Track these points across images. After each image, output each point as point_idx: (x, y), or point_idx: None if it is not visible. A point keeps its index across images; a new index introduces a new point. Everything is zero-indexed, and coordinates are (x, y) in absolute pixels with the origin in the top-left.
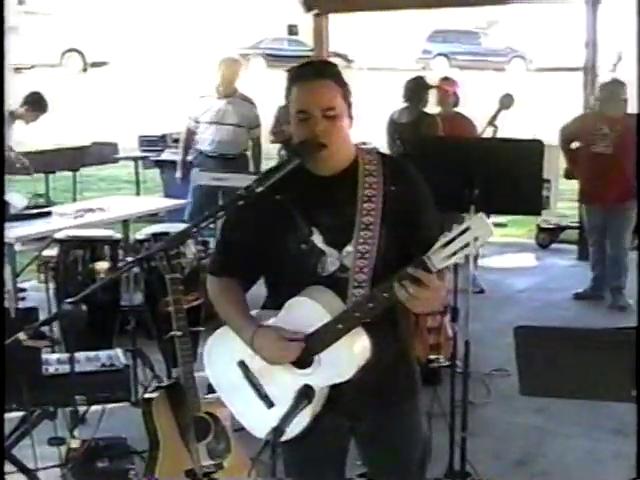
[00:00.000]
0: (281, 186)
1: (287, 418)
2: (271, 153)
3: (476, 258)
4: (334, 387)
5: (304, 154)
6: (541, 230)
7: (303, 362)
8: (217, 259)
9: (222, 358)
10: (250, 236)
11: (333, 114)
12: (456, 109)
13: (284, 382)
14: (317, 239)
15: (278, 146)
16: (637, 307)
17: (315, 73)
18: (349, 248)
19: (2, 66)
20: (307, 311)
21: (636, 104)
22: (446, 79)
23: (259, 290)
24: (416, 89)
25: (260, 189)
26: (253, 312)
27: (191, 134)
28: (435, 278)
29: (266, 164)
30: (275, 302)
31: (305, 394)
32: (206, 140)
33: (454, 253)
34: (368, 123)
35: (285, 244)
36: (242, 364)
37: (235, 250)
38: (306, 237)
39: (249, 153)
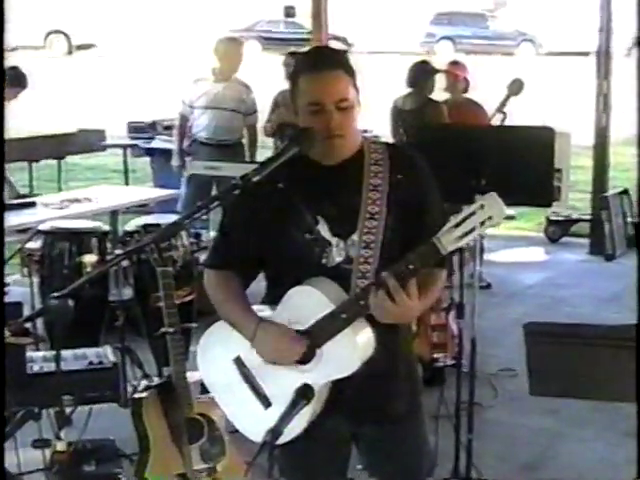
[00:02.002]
0: (282, 175)
1: (285, 419)
2: (266, 142)
3: (482, 252)
4: (334, 388)
5: (303, 142)
6: (551, 223)
7: (304, 357)
8: (216, 251)
9: (217, 355)
10: (251, 226)
11: (347, 105)
12: (466, 95)
13: (283, 380)
14: (323, 229)
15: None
16: (637, 309)
17: (326, 63)
18: (354, 237)
19: (2, 65)
20: (309, 300)
21: (636, 103)
22: (455, 63)
23: (257, 286)
24: (421, 74)
25: (257, 178)
26: (254, 307)
27: (185, 120)
28: (404, 295)
29: (261, 154)
30: (276, 296)
31: (304, 394)
32: (201, 126)
33: (466, 233)
34: (370, 110)
35: (289, 234)
36: (238, 361)
37: (235, 241)
38: (312, 226)
39: (245, 141)
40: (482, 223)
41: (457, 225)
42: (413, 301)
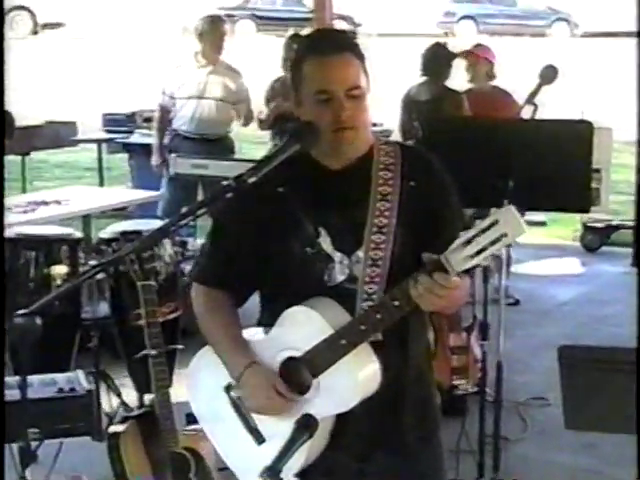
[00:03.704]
0: (282, 177)
1: (284, 455)
2: (261, 136)
3: (509, 263)
4: (337, 420)
5: (306, 138)
6: (588, 230)
7: (300, 387)
8: (205, 264)
9: (206, 382)
10: (246, 236)
11: (358, 93)
12: (492, 82)
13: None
14: (325, 242)
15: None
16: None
17: (335, 46)
18: (359, 254)
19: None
20: (307, 323)
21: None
22: (478, 46)
23: (253, 300)
24: (437, 59)
25: (253, 180)
26: (247, 331)
27: (166, 112)
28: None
29: (256, 149)
30: (272, 318)
31: (306, 425)
32: (183, 118)
33: (478, 252)
34: (379, 101)
35: (287, 247)
36: (229, 389)
37: (227, 254)
38: (312, 239)
39: (234, 134)
40: (495, 241)
41: (468, 242)
42: (458, 279)
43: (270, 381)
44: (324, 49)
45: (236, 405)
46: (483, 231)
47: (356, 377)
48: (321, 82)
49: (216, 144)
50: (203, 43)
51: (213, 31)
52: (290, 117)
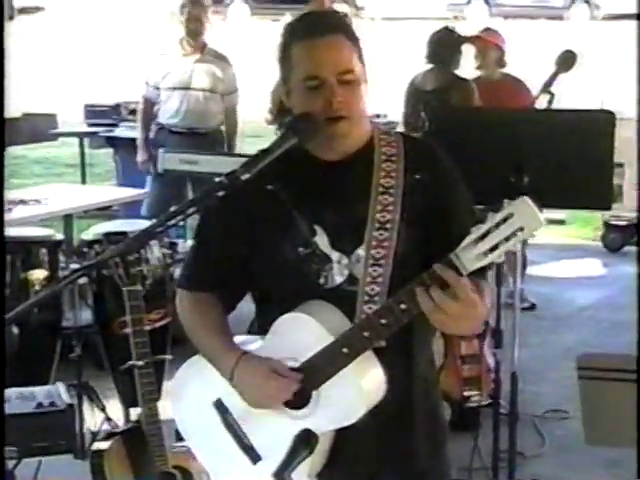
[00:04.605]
0: (274, 173)
1: (282, 474)
2: (257, 130)
3: (525, 265)
4: (338, 435)
5: (303, 131)
6: (610, 229)
7: (297, 400)
8: (190, 268)
9: (193, 396)
10: (234, 237)
11: (351, 78)
12: (503, 70)
13: (274, 428)
14: (321, 241)
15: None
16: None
17: (324, 27)
18: (360, 252)
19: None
20: (303, 330)
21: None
22: (486, 30)
23: (242, 311)
24: (445, 45)
25: (246, 176)
26: (237, 339)
27: (150, 104)
28: (468, 286)
29: (253, 144)
30: (265, 325)
31: (305, 441)
32: (168, 111)
33: (491, 249)
34: (381, 90)
35: (280, 247)
36: (219, 404)
37: (215, 255)
38: (307, 238)
39: (224, 128)
40: (510, 237)
41: (480, 238)
42: (475, 295)
43: (267, 366)
44: (312, 31)
45: (227, 422)
46: (497, 225)
47: (360, 386)
48: (310, 67)
49: (205, 139)
50: (186, 29)
51: (194, 15)
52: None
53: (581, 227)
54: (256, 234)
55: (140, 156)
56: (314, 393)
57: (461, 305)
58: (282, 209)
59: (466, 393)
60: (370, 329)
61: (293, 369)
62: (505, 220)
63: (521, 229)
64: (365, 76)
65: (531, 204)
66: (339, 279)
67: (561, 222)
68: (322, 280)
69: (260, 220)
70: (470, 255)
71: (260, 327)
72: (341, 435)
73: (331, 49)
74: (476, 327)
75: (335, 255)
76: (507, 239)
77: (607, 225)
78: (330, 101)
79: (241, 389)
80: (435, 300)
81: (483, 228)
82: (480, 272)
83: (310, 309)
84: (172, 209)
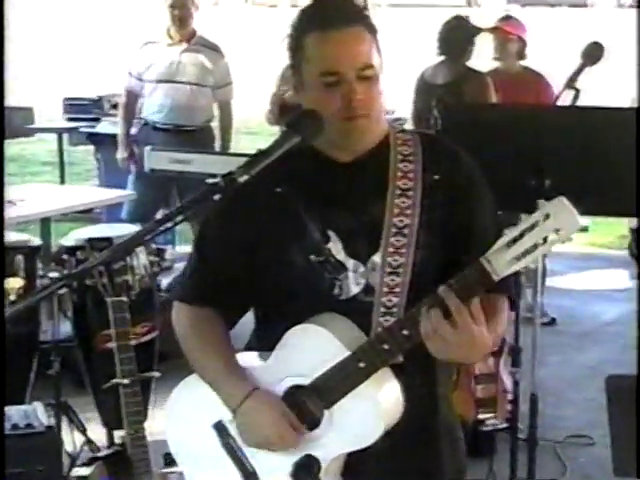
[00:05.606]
0: (282, 175)
1: None
2: (252, 126)
3: (545, 276)
4: (350, 461)
5: (306, 129)
6: (638, 236)
7: (308, 422)
8: (190, 279)
9: (191, 417)
10: (238, 245)
11: (371, 74)
12: (523, 63)
13: (280, 453)
14: (335, 248)
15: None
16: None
17: (342, 18)
18: (375, 259)
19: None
20: (315, 344)
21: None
22: (507, 19)
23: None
24: (458, 36)
25: (245, 178)
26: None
27: (134, 97)
28: (468, 317)
29: (252, 142)
30: (268, 340)
31: (307, 469)
32: (152, 106)
33: (525, 253)
34: (388, 84)
35: (289, 256)
36: (220, 427)
37: (216, 266)
38: (320, 245)
39: (215, 124)
40: (547, 239)
41: (513, 241)
42: (479, 326)
43: (278, 411)
44: (330, 21)
45: (228, 445)
46: (532, 227)
47: (378, 403)
48: (327, 61)
49: (193, 136)
50: (172, 17)
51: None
52: (298, 107)
53: (606, 234)
54: (263, 241)
55: (120, 153)
56: (326, 413)
57: (459, 334)
58: (291, 213)
59: (480, 416)
60: (390, 341)
61: (304, 387)
62: (541, 222)
63: (558, 231)
64: (382, 69)
65: (568, 204)
66: (355, 289)
67: (584, 229)
68: (337, 290)
69: (267, 226)
70: (502, 259)
71: (262, 343)
72: (354, 457)
73: (351, 43)
74: (475, 358)
75: (350, 263)
76: (544, 242)
77: (634, 232)
78: (349, 98)
79: (244, 427)
80: (434, 325)
81: (516, 230)
82: (503, 283)
83: (322, 321)
84: (162, 213)
